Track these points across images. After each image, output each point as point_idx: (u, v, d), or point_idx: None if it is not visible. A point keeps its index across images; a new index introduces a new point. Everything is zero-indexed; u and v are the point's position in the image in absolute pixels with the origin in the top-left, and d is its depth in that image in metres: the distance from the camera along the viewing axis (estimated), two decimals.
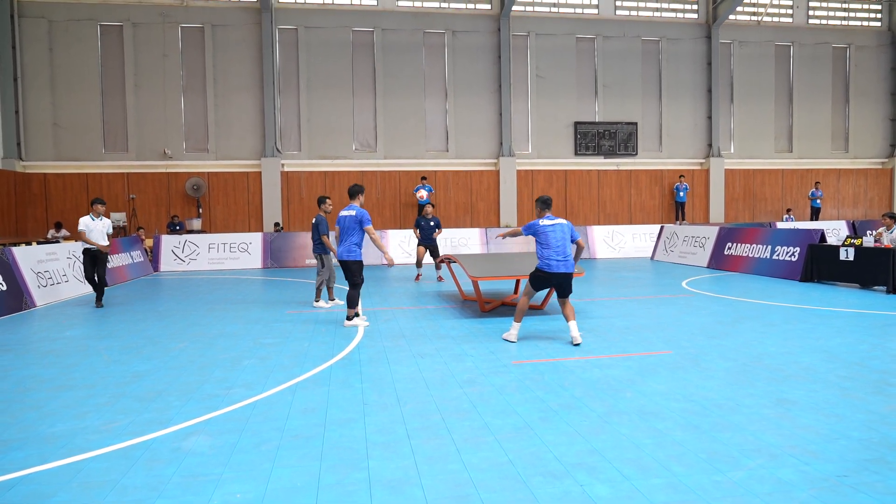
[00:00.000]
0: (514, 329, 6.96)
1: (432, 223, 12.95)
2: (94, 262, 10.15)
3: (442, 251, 15.49)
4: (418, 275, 13.24)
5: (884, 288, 10.44)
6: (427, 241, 12.98)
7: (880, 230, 11.33)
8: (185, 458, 3.77)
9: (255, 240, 17.47)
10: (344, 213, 8.01)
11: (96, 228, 10.16)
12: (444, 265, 12.99)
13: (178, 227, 18.01)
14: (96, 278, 10.20)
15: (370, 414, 4.55)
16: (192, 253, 16.99)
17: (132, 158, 19.09)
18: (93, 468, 3.65)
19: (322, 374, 5.71)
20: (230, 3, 19.39)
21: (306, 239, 17.65)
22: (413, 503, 3.16)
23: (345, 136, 20.16)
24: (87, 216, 10.19)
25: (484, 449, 3.84)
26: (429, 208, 13.05)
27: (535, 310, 9.09)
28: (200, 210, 19.25)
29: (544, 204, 7.16)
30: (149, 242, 17.31)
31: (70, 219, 18.60)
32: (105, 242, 10.27)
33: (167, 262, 16.76)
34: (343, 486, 3.38)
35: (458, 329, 7.78)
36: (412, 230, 14.33)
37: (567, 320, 6.80)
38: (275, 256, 17.33)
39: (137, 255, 15.51)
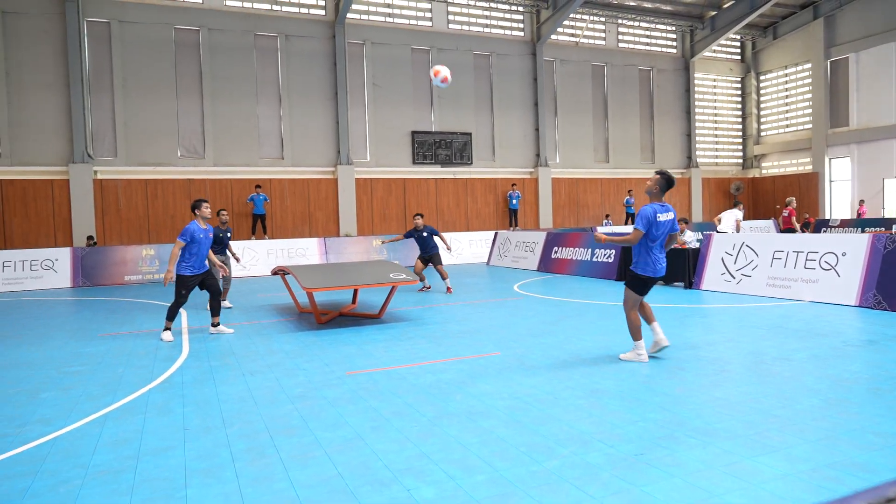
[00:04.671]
0: (638, 349, 5.98)
1: (425, 234, 12.23)
2: None
3: (279, 262, 14.93)
4: (424, 286, 12.45)
5: (682, 283, 11.84)
6: (426, 253, 12.30)
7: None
8: None
9: (62, 255, 15.61)
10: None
11: None
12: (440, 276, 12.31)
13: None
14: None
15: (191, 440, 4.25)
16: None
17: None
18: None
19: (138, 400, 5.23)
20: None
21: (125, 253, 16.15)
22: None
23: (168, 141, 18.75)
24: None
25: (312, 464, 3.75)
26: (419, 220, 12.27)
27: (372, 318, 9.10)
28: None
29: (668, 183, 5.88)
30: None
31: None
32: None
33: None
34: None
35: (292, 343, 7.55)
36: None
37: (651, 322, 6.08)
38: (87, 273, 15.63)
39: None
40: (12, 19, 17.02)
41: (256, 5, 19.68)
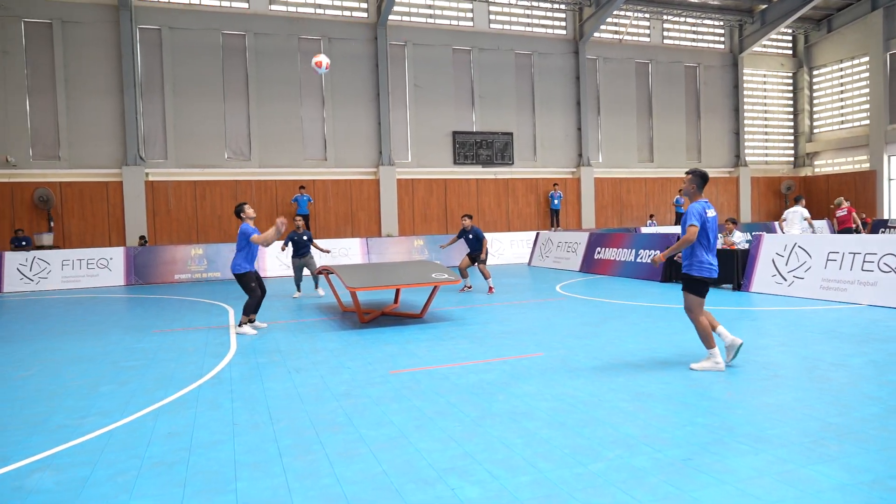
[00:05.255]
0: (714, 356, 5.66)
1: (470, 236, 12.40)
2: None
3: (322, 262, 15.17)
4: (465, 286, 12.65)
5: (730, 286, 11.54)
6: (472, 252, 12.47)
7: (725, 234, 12.54)
8: (28, 498, 3.41)
9: (116, 255, 16.20)
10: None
11: None
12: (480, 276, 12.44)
13: (23, 243, 16.31)
14: None
15: (240, 434, 4.35)
16: (43, 271, 15.46)
17: None
18: None
19: (189, 395, 5.39)
20: None
21: (175, 253, 16.65)
22: None
23: (216, 144, 19.25)
24: None
25: (358, 461, 3.80)
26: (467, 221, 12.43)
27: (414, 318, 9.16)
28: (52, 223, 17.56)
29: (703, 180, 5.72)
30: None
31: None
32: None
33: (12, 283, 15.13)
34: None
35: (335, 341, 7.65)
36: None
37: (716, 327, 5.80)
38: (140, 272, 16.17)
39: None
40: (70, 28, 17.74)
41: (300, 9, 20.02)
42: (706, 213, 5.64)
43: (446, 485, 3.42)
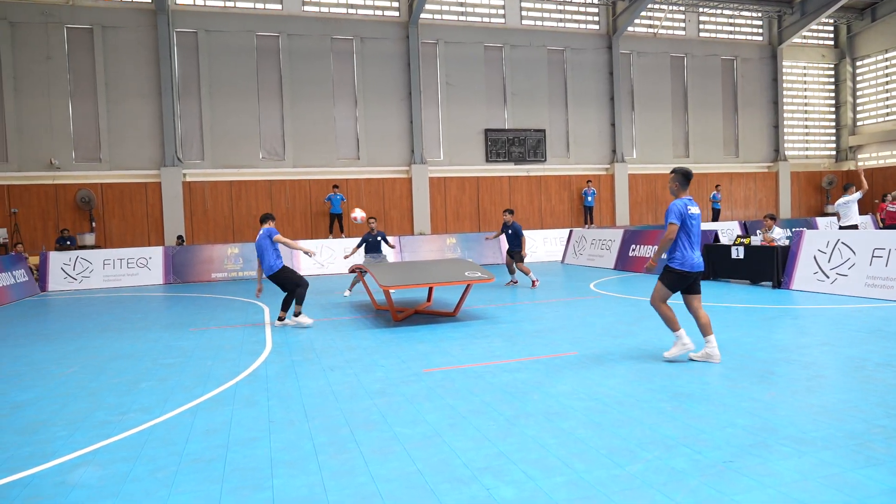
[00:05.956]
0: (681, 338, 5.86)
1: (510, 231, 12.55)
2: None
3: (355, 260, 15.26)
4: (511, 280, 13.00)
5: (770, 283, 11.25)
6: (511, 249, 12.66)
7: (764, 230, 12.22)
8: (71, 493, 3.50)
9: (155, 254, 16.59)
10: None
11: None
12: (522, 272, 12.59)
13: (68, 242, 16.81)
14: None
15: (276, 431, 4.40)
16: (85, 270, 15.92)
17: (13, 169, 17.65)
18: None
19: (226, 392, 5.47)
20: (121, 3, 18.37)
21: (212, 252, 16.97)
22: None
23: (251, 144, 19.55)
24: None
25: (392, 460, 3.80)
26: (508, 216, 12.61)
27: (447, 316, 9.15)
28: (94, 224, 18.07)
29: (685, 178, 5.83)
30: (34, 260, 16.03)
31: None
32: None
33: (56, 281, 15.61)
34: None
35: (369, 340, 7.69)
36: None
37: (708, 334, 5.83)
38: (177, 271, 16.53)
39: (21, 275, 14.35)
40: (111, 34, 18.21)
41: (333, 9, 20.18)
42: (688, 210, 5.76)
43: (481, 484, 3.40)
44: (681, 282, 5.82)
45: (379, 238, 12.36)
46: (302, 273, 16.92)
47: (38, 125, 17.78)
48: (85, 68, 18.14)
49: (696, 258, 5.78)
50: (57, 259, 15.78)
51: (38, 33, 17.64)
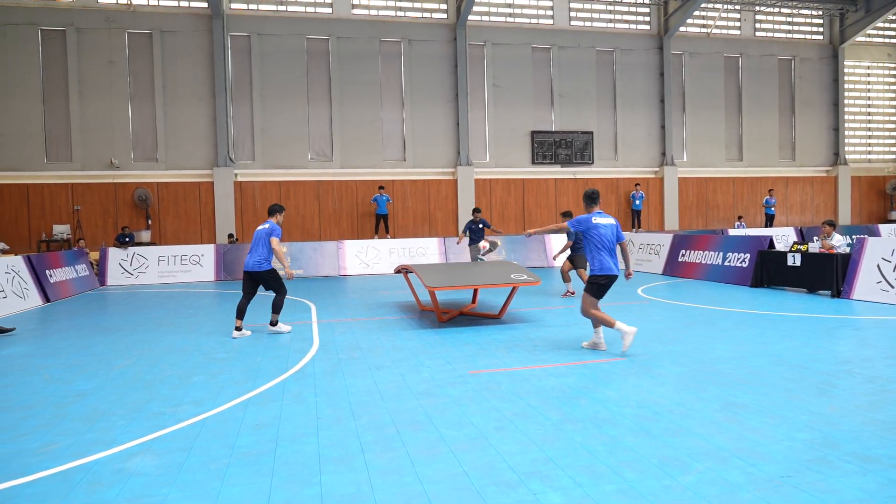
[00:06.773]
0: (598, 335, 6.79)
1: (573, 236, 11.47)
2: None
3: (400, 261, 15.36)
4: (568, 291, 11.68)
5: (829, 292, 10.81)
6: (573, 252, 11.38)
7: (822, 236, 11.76)
8: (129, 480, 3.62)
9: (207, 252, 17.06)
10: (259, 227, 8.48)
11: None
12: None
13: (128, 239, 17.45)
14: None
15: (324, 428, 4.46)
16: (141, 266, 16.49)
17: (77, 168, 18.44)
18: (29, 493, 3.47)
19: (275, 388, 5.58)
20: (180, 8, 18.99)
21: None
22: None
23: (300, 146, 19.92)
24: None
25: (438, 460, 3.80)
26: (564, 220, 11.62)
27: (492, 318, 9.11)
28: (150, 221, 18.71)
29: (591, 199, 6.81)
30: (94, 255, 16.71)
31: (8, 232, 17.85)
32: None
33: (114, 276, 16.22)
34: (294, 502, 3.29)
35: (414, 340, 7.73)
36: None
37: (598, 326, 6.79)
38: (228, 269, 16.96)
39: (82, 269, 14.97)
40: (168, 38, 18.84)
41: (381, 12, 20.39)
42: (592, 221, 6.62)
43: (528, 489, 3.37)
44: (603, 288, 6.59)
45: (481, 225, 13.20)
46: (347, 273, 17.14)
47: (100, 126, 18.53)
48: (144, 72, 18.81)
49: (611, 263, 6.55)
50: (115, 255, 16.39)
51: (101, 39, 18.39)
